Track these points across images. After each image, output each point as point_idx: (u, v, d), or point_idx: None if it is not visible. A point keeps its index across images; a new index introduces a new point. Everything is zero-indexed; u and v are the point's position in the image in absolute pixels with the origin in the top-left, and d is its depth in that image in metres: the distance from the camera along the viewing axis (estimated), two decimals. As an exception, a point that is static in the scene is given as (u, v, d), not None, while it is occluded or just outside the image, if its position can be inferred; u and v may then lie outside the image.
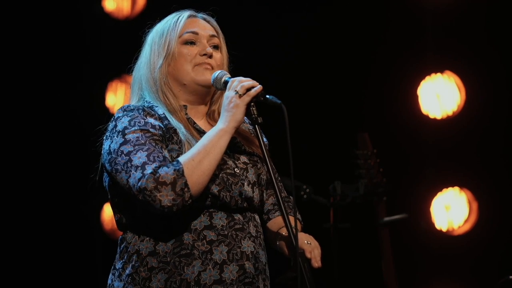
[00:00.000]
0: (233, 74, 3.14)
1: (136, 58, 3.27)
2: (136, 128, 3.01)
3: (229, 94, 3.01)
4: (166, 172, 2.90)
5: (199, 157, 2.94)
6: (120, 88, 6.48)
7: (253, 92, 2.99)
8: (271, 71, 6.14)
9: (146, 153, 2.95)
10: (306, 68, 6.33)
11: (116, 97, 6.48)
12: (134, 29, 3.35)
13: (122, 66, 3.34)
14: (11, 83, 6.26)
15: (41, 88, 6.30)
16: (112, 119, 3.09)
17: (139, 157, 2.94)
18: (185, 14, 3.23)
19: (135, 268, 3.03)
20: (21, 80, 6.28)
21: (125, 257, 3.07)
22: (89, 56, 6.39)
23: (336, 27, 6.29)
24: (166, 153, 2.98)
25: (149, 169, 2.90)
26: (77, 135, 6.12)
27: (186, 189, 2.91)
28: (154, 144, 2.98)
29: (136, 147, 2.96)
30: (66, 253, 6.33)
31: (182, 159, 2.94)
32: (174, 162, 2.93)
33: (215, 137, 2.97)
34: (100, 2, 6.51)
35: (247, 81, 3.02)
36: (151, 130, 3.02)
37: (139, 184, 2.90)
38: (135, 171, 2.92)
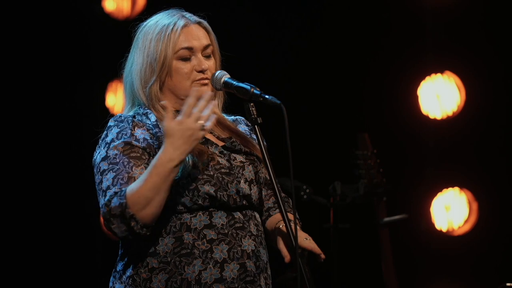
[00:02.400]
0: (225, 69, 3.16)
1: (127, 56, 3.25)
2: (120, 141, 3.04)
3: (190, 124, 2.90)
4: (115, 204, 2.93)
5: (149, 194, 2.91)
6: (120, 88, 6.48)
7: (208, 126, 2.92)
8: (271, 71, 6.14)
9: (114, 174, 2.98)
10: (306, 68, 6.33)
11: (116, 97, 6.48)
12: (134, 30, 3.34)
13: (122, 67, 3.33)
14: (11, 83, 6.26)
15: (41, 88, 6.30)
16: (106, 127, 3.11)
17: (107, 179, 2.98)
18: (179, 24, 3.15)
19: (136, 270, 3.04)
20: (21, 81, 6.28)
21: (126, 259, 3.08)
22: (89, 57, 6.39)
23: (336, 27, 6.29)
24: (136, 171, 2.98)
25: (107, 197, 2.94)
26: (77, 135, 6.12)
27: (134, 222, 2.92)
28: (126, 163, 3.00)
29: (110, 166, 3.00)
30: (67, 253, 6.32)
31: (129, 192, 2.92)
32: (122, 192, 2.92)
33: (166, 172, 2.90)
34: (100, 2, 6.51)
35: (205, 110, 2.92)
36: (134, 142, 3.04)
37: (101, 213, 2.97)
38: (101, 196, 2.98)
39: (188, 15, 3.21)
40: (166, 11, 3.22)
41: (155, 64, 3.13)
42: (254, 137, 3.26)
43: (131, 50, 3.22)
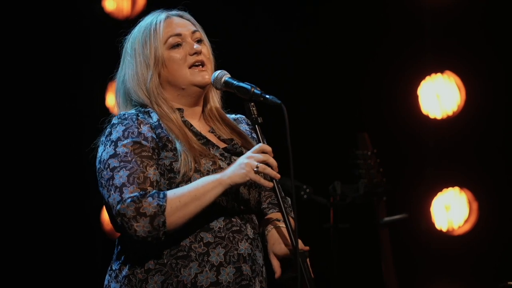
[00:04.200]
0: (224, 69, 3.17)
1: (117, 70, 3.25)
2: (129, 140, 3.02)
3: (251, 161, 2.96)
4: (150, 203, 2.92)
5: (187, 200, 2.95)
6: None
7: (263, 182, 2.97)
8: (271, 71, 6.14)
9: (128, 172, 2.96)
10: (306, 68, 6.33)
11: (116, 97, 6.47)
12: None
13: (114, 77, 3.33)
14: (11, 83, 6.26)
15: (41, 88, 6.30)
16: (108, 124, 3.10)
17: (120, 176, 2.96)
18: (161, 17, 3.19)
19: (132, 270, 3.04)
20: (21, 81, 6.28)
21: (122, 258, 3.08)
22: (89, 56, 6.39)
23: (336, 27, 6.29)
24: (150, 171, 2.99)
25: (126, 194, 2.92)
26: (77, 135, 6.12)
27: (162, 227, 2.93)
28: (139, 162, 2.99)
29: (122, 163, 2.98)
30: (67, 253, 6.32)
31: (169, 194, 2.95)
32: (161, 195, 2.94)
33: (209, 184, 2.97)
34: (100, 2, 6.51)
35: (271, 169, 2.97)
36: (143, 142, 3.03)
37: (117, 208, 2.93)
38: (114, 192, 2.95)
39: (168, 11, 3.24)
40: (147, 16, 3.25)
41: (148, 60, 3.15)
42: (255, 136, 3.27)
43: (121, 63, 3.23)
